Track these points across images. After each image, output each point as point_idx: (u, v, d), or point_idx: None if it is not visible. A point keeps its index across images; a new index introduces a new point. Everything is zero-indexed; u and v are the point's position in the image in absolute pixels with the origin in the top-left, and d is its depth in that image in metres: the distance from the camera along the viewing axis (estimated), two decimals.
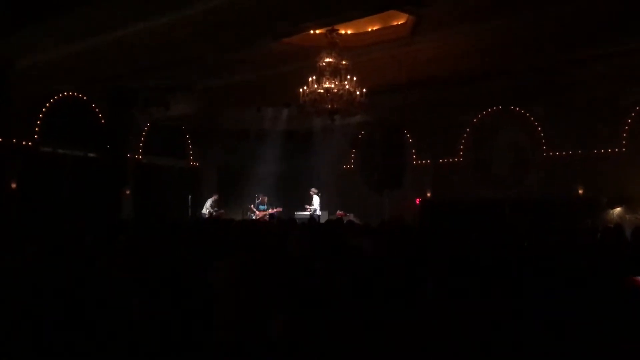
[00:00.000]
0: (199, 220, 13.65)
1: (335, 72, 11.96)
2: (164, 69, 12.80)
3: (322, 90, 11.93)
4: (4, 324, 4.02)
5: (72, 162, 14.95)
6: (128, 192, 16.36)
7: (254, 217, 16.64)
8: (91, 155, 15.34)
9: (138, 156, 17.03)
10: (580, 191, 15.64)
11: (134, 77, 13.38)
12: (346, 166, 19.98)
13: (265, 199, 17.39)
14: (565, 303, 3.68)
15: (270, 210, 16.84)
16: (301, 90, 12.08)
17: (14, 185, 13.62)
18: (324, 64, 11.95)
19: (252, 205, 17.34)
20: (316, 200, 17.04)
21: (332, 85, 11.90)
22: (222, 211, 16.69)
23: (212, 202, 16.78)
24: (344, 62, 11.97)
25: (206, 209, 16.66)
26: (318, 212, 16.78)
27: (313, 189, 17.16)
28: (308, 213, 16.51)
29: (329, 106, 12.04)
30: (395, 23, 11.53)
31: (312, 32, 11.74)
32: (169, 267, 4.80)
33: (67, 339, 4.07)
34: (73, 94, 15.08)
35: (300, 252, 5.59)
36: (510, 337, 3.35)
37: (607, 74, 13.27)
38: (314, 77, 11.99)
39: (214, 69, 13.07)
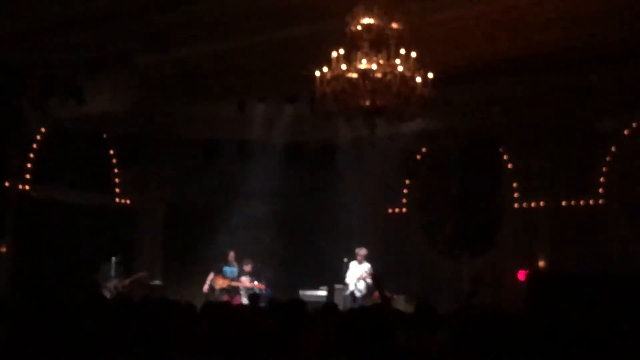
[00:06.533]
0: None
1: (379, 42, 8.90)
2: (76, 27, 8.86)
3: (355, 74, 8.77)
4: None
5: None
6: (4, 249, 11.97)
7: (217, 291, 12.22)
8: None
9: (24, 185, 12.24)
10: None
11: (27, 41, 9.38)
12: (394, 209, 14.95)
13: (232, 255, 12.83)
14: None
15: (247, 282, 12.14)
16: (318, 72, 8.81)
17: None
18: (359, 27, 8.93)
19: (212, 275, 12.74)
20: (353, 270, 12.42)
21: (374, 66, 8.76)
22: (143, 274, 12.22)
23: (115, 266, 12.20)
24: (394, 26, 8.87)
25: (111, 281, 12.02)
26: (357, 291, 12.20)
27: (360, 250, 12.47)
28: (323, 293, 12.30)
29: (368, 102, 8.89)
30: None
31: None
32: None
33: None
34: None
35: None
36: None
37: None
38: (342, 51, 8.72)
39: (165, 31, 9.18)
